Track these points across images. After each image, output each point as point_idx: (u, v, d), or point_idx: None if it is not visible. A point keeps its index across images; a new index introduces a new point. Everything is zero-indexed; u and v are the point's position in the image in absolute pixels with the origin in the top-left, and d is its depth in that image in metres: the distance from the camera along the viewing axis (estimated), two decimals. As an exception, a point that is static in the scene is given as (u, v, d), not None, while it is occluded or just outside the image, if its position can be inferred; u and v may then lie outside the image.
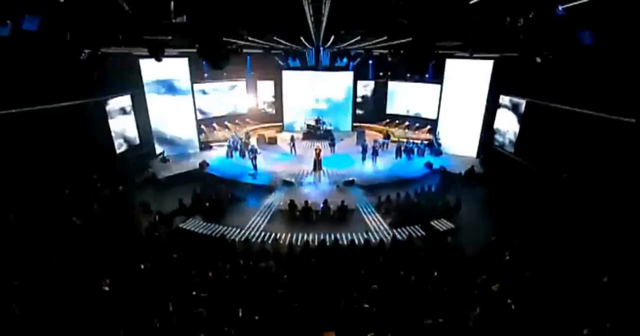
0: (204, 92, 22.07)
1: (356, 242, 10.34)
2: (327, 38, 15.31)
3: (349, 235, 11.61)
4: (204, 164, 17.53)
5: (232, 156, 18.91)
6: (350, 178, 15.62)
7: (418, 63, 9.70)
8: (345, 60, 21.87)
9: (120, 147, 16.89)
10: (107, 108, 16.16)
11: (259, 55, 21.10)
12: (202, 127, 21.59)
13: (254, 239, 11.45)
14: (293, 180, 15.53)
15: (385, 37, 10.26)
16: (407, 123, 23.30)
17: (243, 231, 12.06)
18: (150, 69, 17.85)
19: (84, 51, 10.59)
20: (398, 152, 18.77)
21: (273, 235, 11.48)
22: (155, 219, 12.06)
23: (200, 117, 21.25)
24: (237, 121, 23.81)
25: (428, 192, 14.68)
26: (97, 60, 11.73)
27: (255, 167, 17.09)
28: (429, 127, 22.00)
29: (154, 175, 16.42)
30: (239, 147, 19.07)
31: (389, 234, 11.59)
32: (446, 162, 18.22)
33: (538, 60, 13.00)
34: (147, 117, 18.26)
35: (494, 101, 18.08)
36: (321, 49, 20.77)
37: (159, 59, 9.62)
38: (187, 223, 12.42)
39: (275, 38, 13.00)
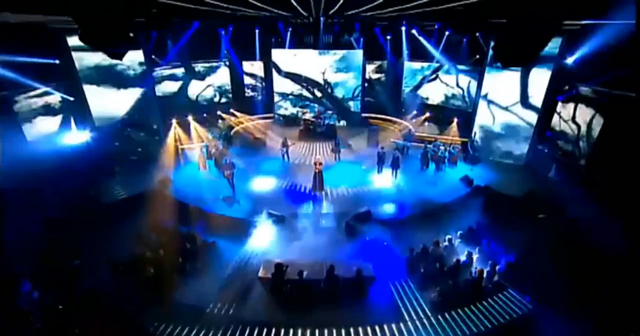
0: (173, 77, 16.40)
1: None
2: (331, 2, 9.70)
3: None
4: (165, 181, 12.40)
5: (205, 167, 13.68)
6: (364, 208, 10.55)
7: (531, 44, 4.35)
8: (355, 34, 15.95)
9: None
10: (17, 107, 10.77)
11: (241, 30, 15.33)
12: (174, 122, 16.08)
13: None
14: (282, 213, 10.41)
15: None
16: (427, 114, 17.69)
17: (199, 322, 7.16)
18: (87, 51, 12.23)
19: None
20: (424, 160, 13.55)
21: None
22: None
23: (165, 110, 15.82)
24: (218, 112, 18.24)
25: (477, 232, 9.69)
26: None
27: (232, 187, 11.96)
28: (456, 120, 16.44)
29: (95, 200, 11.34)
30: (214, 150, 13.82)
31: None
32: (488, 175, 13.08)
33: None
34: (90, 116, 12.88)
35: (557, 92, 12.60)
36: (322, 19, 14.93)
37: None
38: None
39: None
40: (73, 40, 11.76)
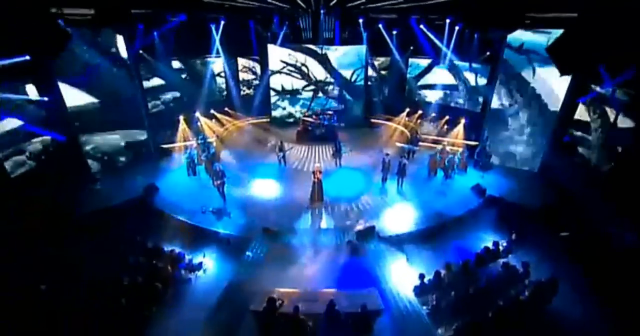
0: (164, 74, 15.12)
1: None
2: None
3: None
4: (150, 189, 11.22)
5: (194, 173, 12.49)
6: (368, 224, 9.42)
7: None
8: (360, 29, 14.59)
9: (16, 167, 10.41)
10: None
11: (234, 25, 14.01)
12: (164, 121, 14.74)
13: None
14: (277, 228, 9.28)
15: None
16: (433, 114, 16.45)
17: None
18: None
19: None
20: (432, 168, 12.38)
21: None
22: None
23: (155, 109, 14.63)
24: (212, 111, 16.92)
25: (495, 252, 8.60)
26: None
27: (223, 197, 10.82)
28: (463, 121, 15.20)
29: (69, 211, 10.12)
30: (203, 157, 12.58)
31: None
32: (500, 183, 11.96)
33: None
34: (67, 117, 11.58)
35: (578, 93, 11.38)
36: (322, 12, 13.63)
37: None
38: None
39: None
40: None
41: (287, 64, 16.70)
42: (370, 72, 17.19)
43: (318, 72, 16.87)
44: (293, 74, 16.97)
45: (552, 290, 7.19)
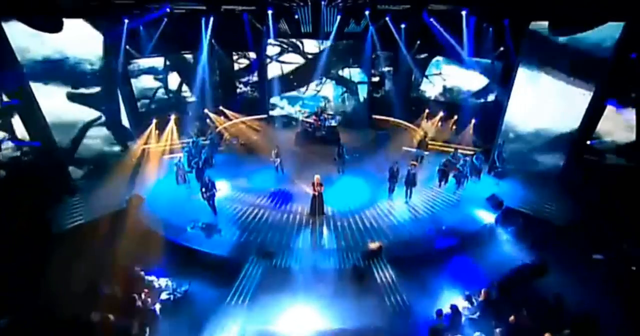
0: (153, 71, 13.88)
1: None
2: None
3: None
4: (135, 200, 10.06)
5: (184, 180, 11.28)
6: (375, 243, 8.24)
7: None
8: (363, 23, 13.24)
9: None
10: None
11: (227, 17, 12.67)
12: (153, 123, 13.54)
13: None
14: (273, 249, 8.13)
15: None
16: (441, 113, 15.19)
17: None
18: (33, 41, 9.66)
19: None
20: (443, 176, 11.15)
21: None
22: None
23: (144, 108, 13.51)
24: (205, 110, 15.65)
25: (521, 272, 7.47)
26: None
27: (214, 210, 9.66)
28: (473, 121, 13.96)
29: (41, 229, 8.95)
30: (193, 163, 11.36)
31: None
32: (517, 192, 10.74)
33: None
34: (43, 121, 10.34)
35: (608, 93, 10.11)
36: (323, 3, 12.26)
37: None
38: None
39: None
40: (11, 27, 9.17)
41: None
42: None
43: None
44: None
45: (592, 332, 6.08)
